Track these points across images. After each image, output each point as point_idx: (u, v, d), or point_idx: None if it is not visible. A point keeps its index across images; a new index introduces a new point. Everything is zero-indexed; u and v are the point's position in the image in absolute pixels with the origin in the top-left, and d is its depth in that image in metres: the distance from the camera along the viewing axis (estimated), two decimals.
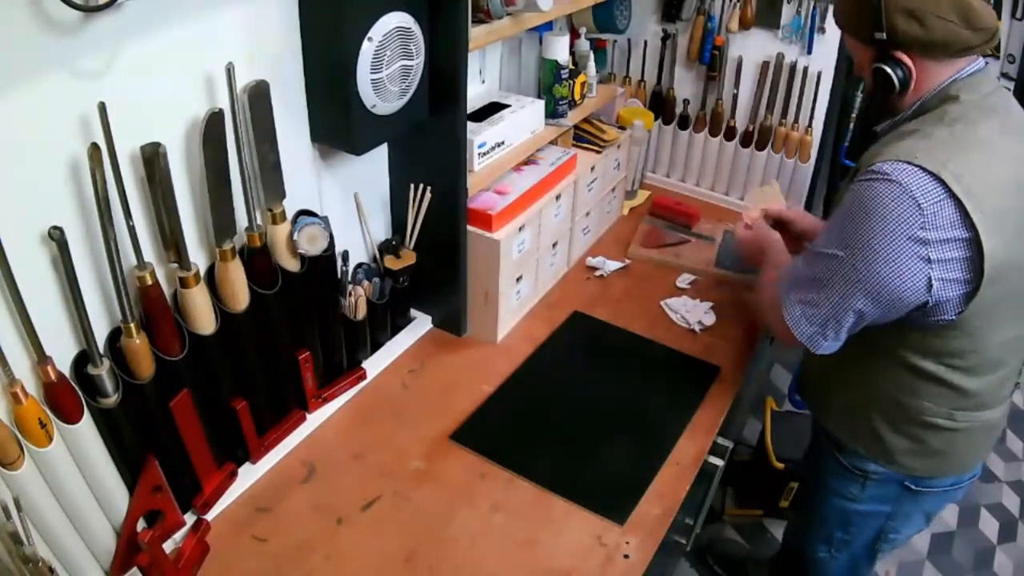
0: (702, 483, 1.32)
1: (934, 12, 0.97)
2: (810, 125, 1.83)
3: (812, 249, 1.10)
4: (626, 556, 1.09)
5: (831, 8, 1.69)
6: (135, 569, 0.99)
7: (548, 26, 1.53)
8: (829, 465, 1.33)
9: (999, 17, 2.03)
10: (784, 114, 1.85)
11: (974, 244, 0.96)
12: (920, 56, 1.02)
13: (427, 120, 1.23)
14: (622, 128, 1.82)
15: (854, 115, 2.06)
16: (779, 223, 1.50)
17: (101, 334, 0.93)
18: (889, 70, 1.03)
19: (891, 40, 1.01)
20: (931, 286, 0.99)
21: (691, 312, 1.59)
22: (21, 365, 0.82)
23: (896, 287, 0.99)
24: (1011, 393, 1.21)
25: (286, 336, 1.16)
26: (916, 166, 0.96)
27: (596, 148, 1.69)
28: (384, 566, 1.06)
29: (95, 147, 0.80)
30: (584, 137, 1.70)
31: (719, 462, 1.35)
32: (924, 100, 1.06)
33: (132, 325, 0.90)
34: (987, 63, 1.07)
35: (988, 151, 1.00)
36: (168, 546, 1.03)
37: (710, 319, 1.57)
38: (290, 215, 1.11)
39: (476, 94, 1.50)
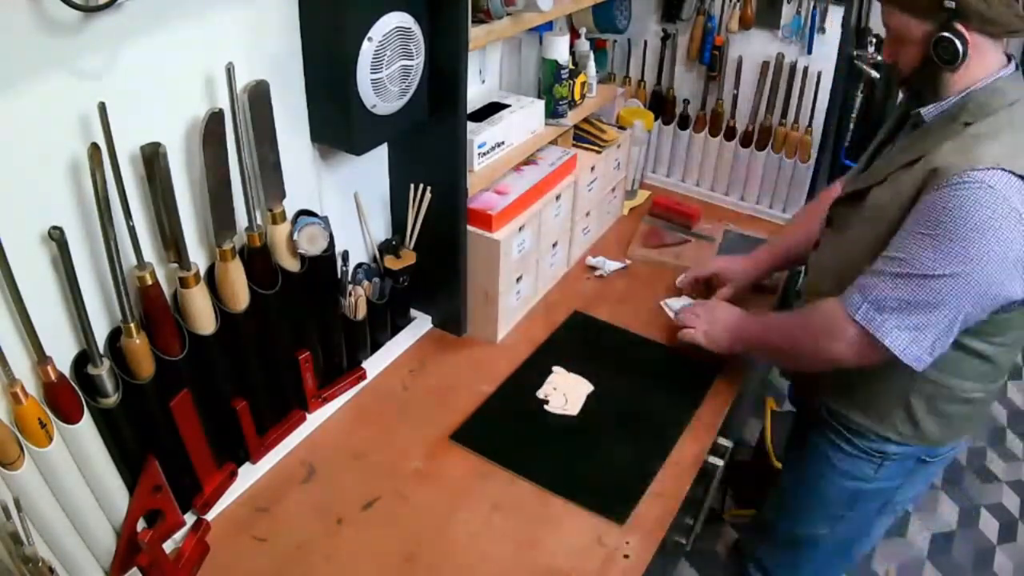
0: (702, 483, 1.32)
1: None
2: (810, 125, 1.83)
3: (904, 271, 1.06)
4: (626, 556, 1.09)
5: (831, 7, 1.70)
6: (135, 569, 0.99)
7: (548, 26, 1.53)
8: (836, 453, 1.34)
9: None
10: (784, 114, 1.85)
11: None
12: (977, 31, 1.04)
13: (427, 120, 1.23)
14: (622, 128, 1.82)
15: (854, 115, 2.06)
16: (707, 284, 1.59)
17: (101, 334, 0.93)
18: (955, 39, 1.04)
19: (958, 10, 1.02)
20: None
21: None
22: (21, 365, 0.82)
23: (1001, 296, 1.04)
24: None
25: (286, 336, 1.16)
26: (1007, 171, 0.98)
27: (596, 148, 1.69)
28: (384, 566, 1.06)
29: (95, 147, 0.80)
30: (584, 137, 1.70)
31: (719, 462, 1.35)
32: (973, 91, 1.07)
33: (132, 325, 0.90)
34: (1017, 68, 1.10)
35: None
36: (168, 546, 1.03)
37: None
38: (290, 215, 1.11)
39: (476, 94, 1.50)
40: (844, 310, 1.11)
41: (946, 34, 1.04)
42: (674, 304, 1.59)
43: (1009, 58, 1.10)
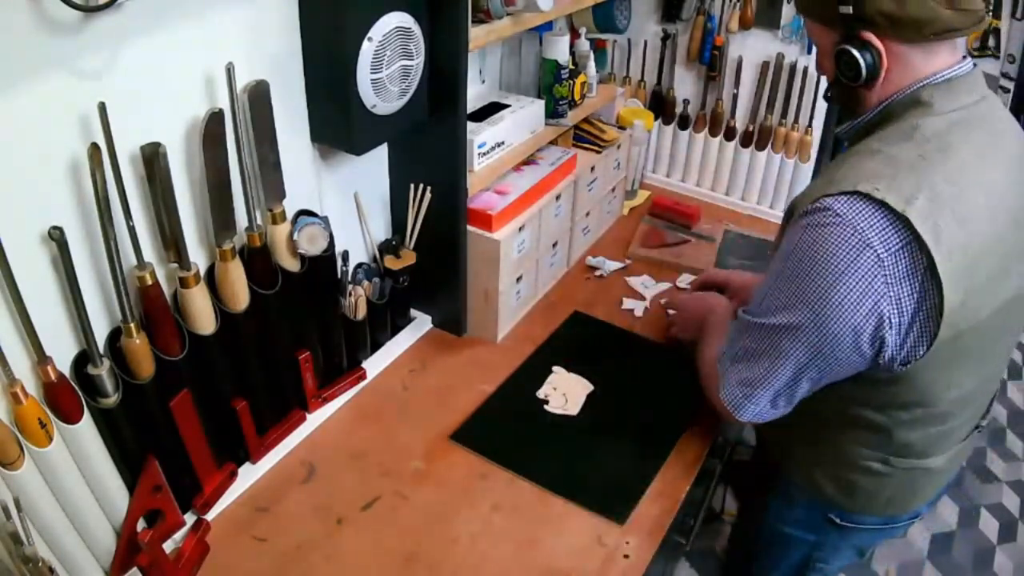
0: (702, 483, 1.32)
1: None
2: (810, 125, 1.83)
3: (750, 318, 0.95)
4: (626, 556, 1.09)
5: None
6: (135, 569, 0.99)
7: (548, 26, 1.53)
8: (762, 477, 1.28)
9: (998, 16, 2.03)
10: (784, 114, 1.85)
11: (935, 298, 0.82)
12: (891, 38, 0.85)
13: (427, 120, 1.23)
14: (622, 128, 1.82)
15: None
16: (716, 288, 1.43)
17: (101, 334, 0.93)
18: (856, 52, 0.86)
19: (858, 15, 0.84)
20: (884, 351, 0.86)
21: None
22: (21, 365, 0.82)
23: (856, 350, 0.87)
24: (960, 442, 1.08)
25: (286, 336, 1.16)
26: (877, 202, 0.81)
27: (596, 148, 1.69)
28: (384, 566, 1.06)
29: (95, 147, 0.80)
30: (584, 137, 1.70)
31: (719, 462, 1.35)
32: (891, 102, 0.90)
33: (132, 325, 0.90)
34: (975, 65, 0.91)
35: (961, 182, 0.84)
36: (168, 546, 1.03)
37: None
38: (290, 215, 1.11)
39: (476, 94, 1.50)
40: (714, 355, 1.03)
41: (846, 47, 0.87)
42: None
43: (965, 57, 0.91)
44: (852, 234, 0.81)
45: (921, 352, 0.86)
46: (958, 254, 0.82)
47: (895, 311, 0.83)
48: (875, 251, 0.81)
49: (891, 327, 0.84)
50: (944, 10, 0.82)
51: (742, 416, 0.99)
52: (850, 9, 0.84)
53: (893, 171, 0.83)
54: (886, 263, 0.81)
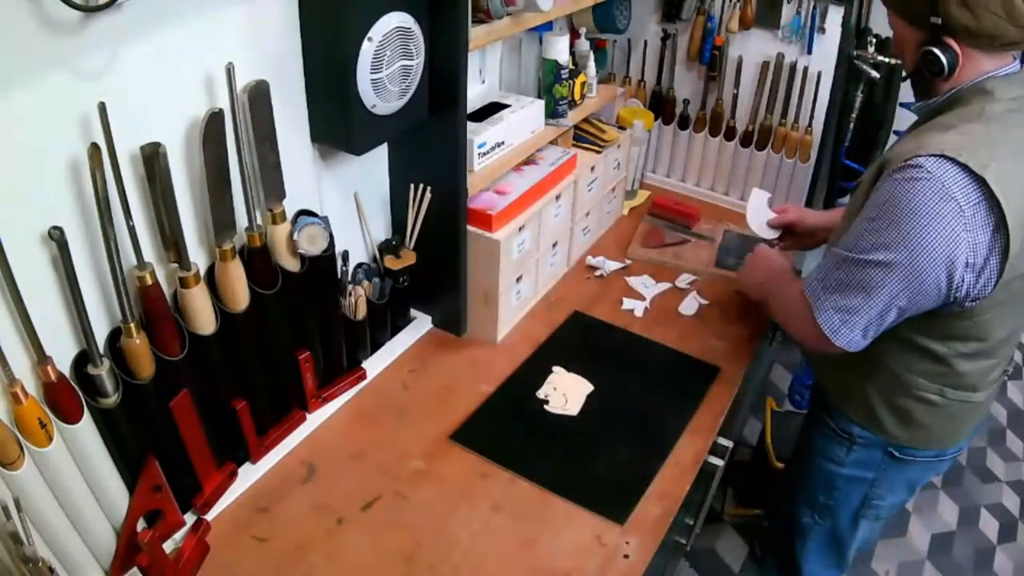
0: (702, 483, 1.32)
1: (984, 5, 1.00)
2: (810, 125, 1.83)
3: (847, 254, 1.09)
4: (626, 556, 1.09)
5: (831, 7, 1.70)
6: (135, 569, 0.99)
7: (548, 26, 1.53)
8: (818, 427, 1.36)
9: None
10: (784, 114, 1.85)
11: (1002, 244, 0.99)
12: (967, 45, 1.05)
13: (427, 120, 1.23)
14: (622, 128, 1.82)
15: (854, 115, 2.06)
16: (785, 228, 1.55)
17: (101, 334, 0.93)
18: (939, 53, 1.06)
19: (944, 25, 1.04)
20: (964, 282, 1.02)
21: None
22: (21, 365, 0.82)
23: (934, 289, 1.02)
24: (998, 379, 1.24)
25: (286, 336, 1.16)
26: (960, 164, 0.97)
27: (596, 148, 1.69)
28: (384, 566, 1.06)
29: (95, 147, 0.80)
30: (584, 137, 1.70)
31: (719, 462, 1.35)
32: (960, 89, 1.08)
33: (132, 325, 0.90)
34: (1022, 67, 1.09)
35: (1020, 155, 1.01)
36: (168, 546, 1.03)
37: (691, 309, 1.61)
38: (290, 215, 1.11)
39: (476, 94, 1.50)
40: (801, 288, 1.16)
41: (932, 48, 1.06)
42: (759, 205, 1.60)
43: (1015, 58, 1.09)
44: (940, 187, 0.97)
45: (989, 289, 1.03)
46: (1019, 211, 0.98)
47: (972, 253, 0.99)
48: (958, 203, 0.97)
49: (968, 267, 1.00)
50: (1010, 27, 1.01)
51: (837, 340, 1.11)
52: (939, 20, 1.04)
53: (970, 142, 1.00)
54: (966, 213, 0.97)
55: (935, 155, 0.98)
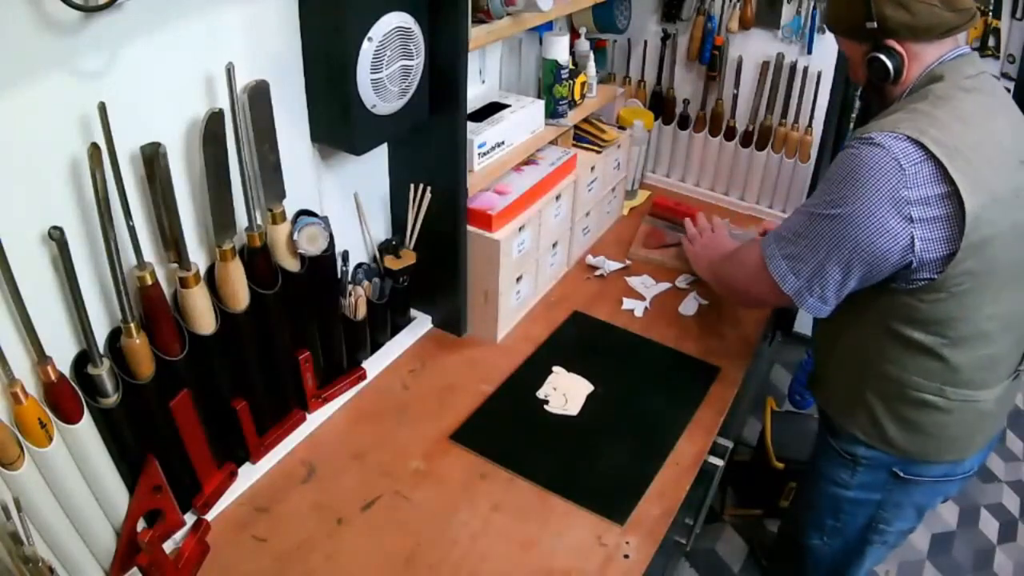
0: (702, 483, 1.32)
1: None
2: (810, 125, 1.83)
3: (800, 208, 1.15)
4: (626, 556, 1.09)
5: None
6: (135, 569, 0.99)
7: (548, 26, 1.53)
8: (823, 451, 1.35)
9: (998, 16, 2.04)
10: (784, 114, 1.85)
11: (955, 200, 0.99)
12: (909, 41, 1.08)
13: (427, 120, 1.23)
14: (622, 128, 1.82)
15: (854, 115, 2.06)
16: None
17: (101, 334, 0.93)
18: (884, 57, 1.10)
19: (882, 28, 1.08)
20: (914, 245, 1.02)
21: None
22: (21, 365, 0.82)
23: (879, 245, 1.03)
24: (1007, 378, 1.20)
25: (286, 336, 1.16)
26: (899, 133, 1.01)
27: (596, 148, 1.69)
28: (384, 566, 1.06)
29: (95, 147, 0.80)
30: (584, 137, 1.70)
31: (719, 462, 1.35)
32: (913, 85, 1.12)
33: (132, 325, 0.90)
34: (971, 49, 1.13)
35: (969, 124, 1.04)
36: (168, 546, 1.03)
37: (691, 309, 1.61)
38: (290, 215, 1.11)
39: (476, 94, 1.50)
40: (759, 249, 1.20)
41: (875, 54, 1.10)
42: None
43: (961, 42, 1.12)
44: (881, 151, 1.01)
45: (949, 250, 1.02)
46: (969, 169, 1.00)
47: (920, 207, 1.00)
48: (897, 161, 1.00)
49: (916, 222, 1.01)
50: (947, 13, 1.05)
51: (786, 287, 1.14)
52: (875, 24, 1.07)
53: (912, 117, 1.03)
54: (907, 171, 1.00)
55: (886, 132, 1.02)
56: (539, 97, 1.55)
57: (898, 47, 1.09)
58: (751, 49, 1.83)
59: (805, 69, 1.78)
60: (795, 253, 1.12)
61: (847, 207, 1.04)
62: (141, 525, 1.00)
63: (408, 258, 1.38)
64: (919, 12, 1.04)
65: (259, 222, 1.06)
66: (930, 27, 1.06)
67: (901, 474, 1.26)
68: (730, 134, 1.95)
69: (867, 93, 1.21)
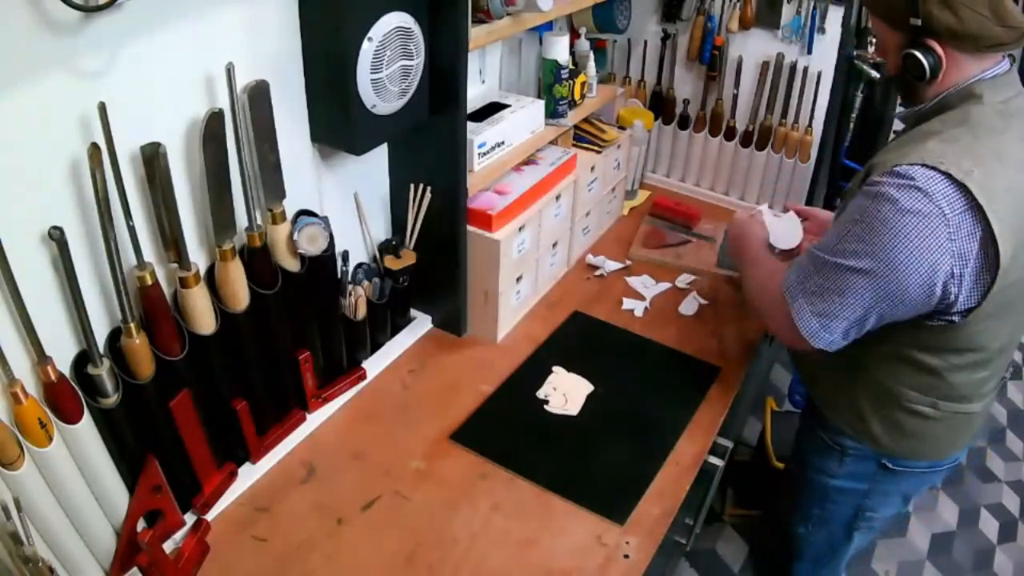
0: (702, 483, 1.32)
1: (967, 4, 0.97)
2: (810, 125, 1.83)
3: (825, 256, 1.06)
4: (626, 556, 1.09)
5: (831, 7, 1.70)
6: (135, 569, 0.99)
7: (548, 26, 1.53)
8: (810, 440, 1.35)
9: None
10: (784, 114, 1.85)
11: (991, 250, 0.96)
12: (951, 47, 1.01)
13: (427, 120, 1.23)
14: (622, 128, 1.82)
15: (854, 115, 2.06)
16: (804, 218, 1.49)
17: (101, 334, 0.93)
18: (920, 56, 1.02)
19: (925, 27, 1.00)
20: (950, 292, 0.99)
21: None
22: (21, 365, 0.82)
23: (923, 295, 0.99)
24: (994, 390, 1.21)
25: (286, 336, 1.16)
26: (942, 173, 0.94)
27: (596, 148, 1.69)
28: (384, 566, 1.06)
29: (95, 147, 0.80)
30: (584, 137, 1.70)
31: (719, 462, 1.35)
32: (947, 94, 1.05)
33: (132, 325, 0.90)
34: (1011, 67, 1.06)
35: (1007, 160, 0.99)
36: (168, 546, 1.03)
37: (691, 309, 1.61)
38: (290, 215, 1.11)
39: (476, 94, 1.50)
40: (780, 285, 1.13)
41: (913, 51, 1.03)
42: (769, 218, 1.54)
43: (1003, 58, 1.05)
44: (923, 196, 0.94)
45: (978, 299, 1.00)
46: (1009, 217, 0.96)
47: (958, 262, 0.96)
48: (942, 212, 0.94)
49: (954, 277, 0.97)
50: (996, 27, 0.98)
51: (817, 343, 1.09)
52: (919, 22, 1.00)
53: (953, 149, 0.97)
54: (951, 222, 0.94)
55: (916, 164, 0.96)
56: (539, 97, 1.54)
57: (938, 48, 1.02)
58: (751, 49, 1.83)
59: (805, 69, 1.78)
60: (827, 310, 1.05)
61: (881, 262, 0.98)
62: (141, 525, 1.00)
63: (408, 258, 1.38)
64: (967, 19, 0.97)
65: (259, 222, 1.06)
66: (976, 37, 0.99)
67: (889, 465, 1.26)
68: (730, 134, 1.95)
69: (898, 86, 1.14)
